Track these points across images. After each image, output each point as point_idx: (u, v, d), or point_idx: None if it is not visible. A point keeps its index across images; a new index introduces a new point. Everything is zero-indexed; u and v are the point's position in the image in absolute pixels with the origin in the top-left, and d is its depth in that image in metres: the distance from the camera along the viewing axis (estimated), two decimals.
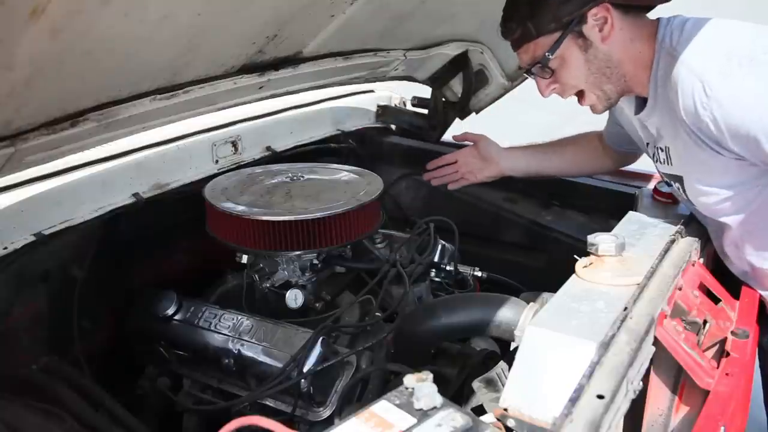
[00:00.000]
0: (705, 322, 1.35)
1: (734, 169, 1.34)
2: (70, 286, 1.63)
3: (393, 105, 2.64)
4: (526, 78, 2.30)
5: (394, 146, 2.52)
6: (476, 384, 1.31)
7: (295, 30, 1.56)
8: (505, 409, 1.02)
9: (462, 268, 1.94)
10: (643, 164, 1.92)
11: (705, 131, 1.29)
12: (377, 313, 1.68)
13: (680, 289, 1.30)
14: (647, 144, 1.58)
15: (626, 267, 1.26)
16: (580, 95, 1.48)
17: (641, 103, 1.49)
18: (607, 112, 1.80)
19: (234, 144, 2.06)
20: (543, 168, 1.98)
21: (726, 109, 1.24)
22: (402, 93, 2.67)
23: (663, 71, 1.37)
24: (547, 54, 1.39)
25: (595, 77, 1.42)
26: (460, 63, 2.28)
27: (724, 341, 1.33)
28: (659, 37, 1.38)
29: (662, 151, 1.50)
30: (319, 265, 1.77)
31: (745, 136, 1.24)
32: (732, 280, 1.56)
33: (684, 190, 1.48)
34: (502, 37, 1.48)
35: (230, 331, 1.64)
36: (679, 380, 1.36)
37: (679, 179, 1.47)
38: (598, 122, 1.91)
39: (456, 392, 1.49)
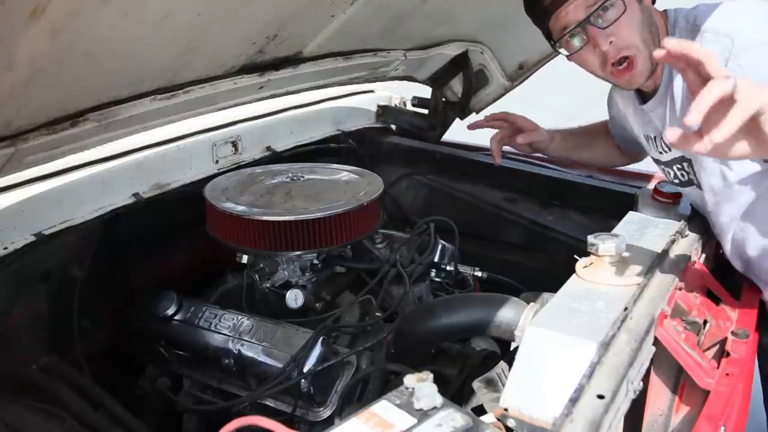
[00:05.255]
0: (705, 322, 1.35)
1: None
2: (70, 286, 1.63)
3: (393, 105, 2.64)
4: (526, 78, 2.33)
5: (394, 146, 2.52)
6: (476, 384, 1.31)
7: (295, 30, 1.56)
8: (506, 409, 1.02)
9: (462, 268, 1.94)
10: (643, 164, 1.92)
11: None
12: (377, 313, 1.68)
13: (680, 289, 1.30)
14: (653, 138, 1.56)
15: (626, 267, 1.26)
16: (628, 58, 1.38)
17: (644, 94, 1.49)
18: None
19: (234, 144, 2.06)
20: (573, 156, 1.94)
21: (759, 54, 1.22)
22: (402, 93, 2.67)
23: None
24: None
25: (647, 33, 1.37)
26: (460, 63, 2.29)
27: (724, 341, 1.33)
28: (671, 21, 1.40)
29: None
30: (319, 265, 1.77)
31: None
32: (732, 280, 1.55)
33: (694, 173, 1.47)
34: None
35: (230, 331, 1.64)
36: (679, 380, 1.35)
37: (689, 161, 1.47)
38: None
39: (456, 392, 1.49)
